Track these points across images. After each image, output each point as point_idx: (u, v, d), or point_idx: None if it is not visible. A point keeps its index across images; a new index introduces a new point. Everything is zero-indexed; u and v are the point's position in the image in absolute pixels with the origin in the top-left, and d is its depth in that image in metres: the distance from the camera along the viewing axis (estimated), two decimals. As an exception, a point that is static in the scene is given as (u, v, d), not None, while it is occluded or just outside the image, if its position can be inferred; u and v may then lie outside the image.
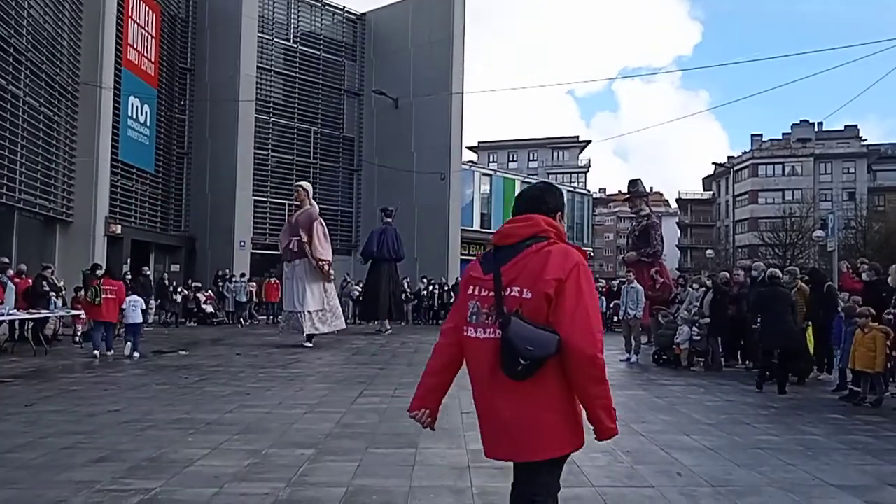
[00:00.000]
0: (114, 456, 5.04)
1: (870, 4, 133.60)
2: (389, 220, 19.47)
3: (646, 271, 15.36)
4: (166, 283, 20.76)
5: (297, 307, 14.14)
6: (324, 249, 14.37)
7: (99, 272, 13.67)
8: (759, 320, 9.62)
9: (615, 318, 17.61)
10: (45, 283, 13.69)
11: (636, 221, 17.67)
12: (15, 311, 12.30)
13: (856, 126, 66.79)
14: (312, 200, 15.03)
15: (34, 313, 12.70)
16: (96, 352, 11.87)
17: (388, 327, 18.82)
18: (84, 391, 8.12)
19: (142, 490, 4.20)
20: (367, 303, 19.60)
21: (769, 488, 4.51)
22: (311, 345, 13.87)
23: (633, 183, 18.79)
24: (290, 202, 27.08)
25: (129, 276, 18.49)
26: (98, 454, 5.08)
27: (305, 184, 15.50)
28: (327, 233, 14.77)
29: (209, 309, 21.27)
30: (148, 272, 20.67)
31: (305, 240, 14.10)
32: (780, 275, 9.94)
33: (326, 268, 14.36)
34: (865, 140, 65.79)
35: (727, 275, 12.84)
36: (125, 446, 5.34)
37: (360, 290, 21.44)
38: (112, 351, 12.08)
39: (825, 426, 6.72)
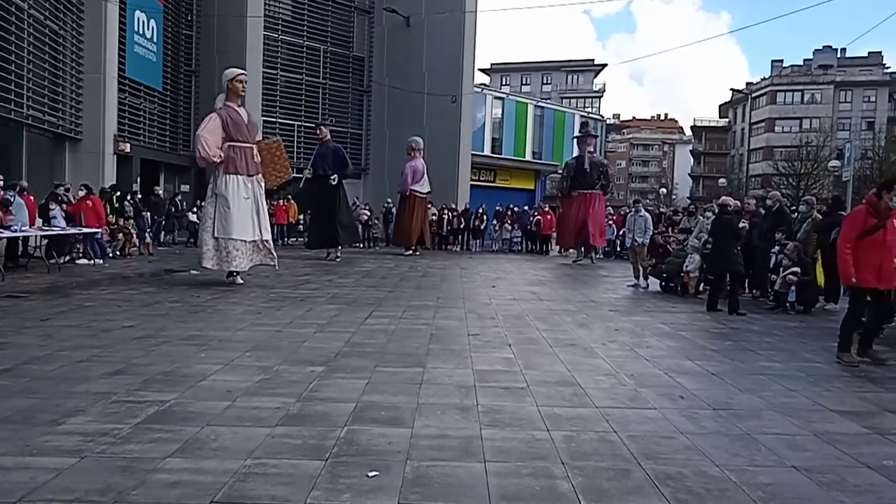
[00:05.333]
0: (129, 370, 5.16)
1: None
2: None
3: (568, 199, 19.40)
4: (177, 204, 20.95)
5: (264, 234, 11.36)
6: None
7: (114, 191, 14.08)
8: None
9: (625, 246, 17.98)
10: (53, 202, 13.79)
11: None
12: (27, 227, 12.44)
13: (880, 53, 64.98)
14: None
15: (46, 230, 12.84)
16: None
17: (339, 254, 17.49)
18: (98, 307, 8.27)
19: (157, 402, 4.32)
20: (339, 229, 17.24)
21: (769, 412, 4.59)
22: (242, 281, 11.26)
23: (584, 125, 22.69)
24: (300, 123, 27.01)
25: (140, 196, 18.61)
26: (113, 367, 5.20)
27: None
28: None
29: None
30: (160, 191, 20.80)
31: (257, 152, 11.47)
32: (731, 204, 10.68)
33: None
34: (889, 68, 63.97)
35: (738, 203, 12.74)
36: (139, 360, 5.46)
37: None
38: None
39: (828, 354, 6.76)
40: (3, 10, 15.10)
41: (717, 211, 10.77)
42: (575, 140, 22.16)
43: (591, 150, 20.31)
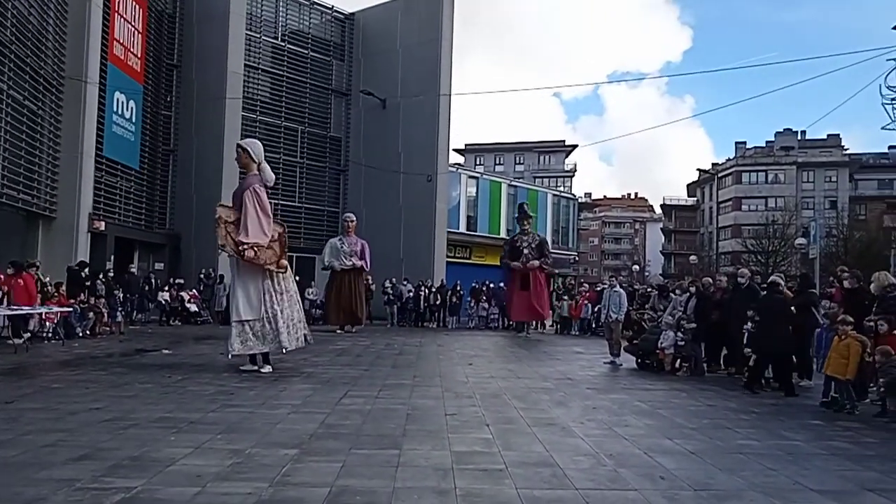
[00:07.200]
0: (95, 454, 4.99)
1: (856, 14, 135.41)
2: None
3: (541, 274, 20.85)
4: (151, 283, 20.75)
5: (232, 315, 10.03)
6: (250, 228, 9.74)
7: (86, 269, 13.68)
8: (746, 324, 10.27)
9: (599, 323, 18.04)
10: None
11: (530, 237, 21.54)
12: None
13: (838, 135, 67.71)
14: (265, 164, 10.45)
15: (16, 309, 12.60)
16: None
17: None
18: (65, 389, 8.04)
19: (123, 489, 4.17)
20: None
21: (750, 492, 4.55)
22: (256, 368, 9.89)
23: (521, 206, 23.81)
24: (278, 202, 27.16)
25: (112, 274, 18.42)
26: (79, 452, 5.02)
27: (246, 141, 10.94)
28: (266, 205, 10.07)
29: (193, 308, 21.16)
30: (133, 270, 20.61)
31: (232, 219, 9.92)
32: (781, 283, 10.35)
33: (250, 254, 9.63)
34: (847, 149, 66.64)
35: (710, 280, 12.96)
36: (106, 444, 5.29)
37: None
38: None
39: (806, 432, 6.78)
40: (-18, 91, 15.27)
41: (766, 289, 10.45)
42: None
43: (524, 228, 21.77)
